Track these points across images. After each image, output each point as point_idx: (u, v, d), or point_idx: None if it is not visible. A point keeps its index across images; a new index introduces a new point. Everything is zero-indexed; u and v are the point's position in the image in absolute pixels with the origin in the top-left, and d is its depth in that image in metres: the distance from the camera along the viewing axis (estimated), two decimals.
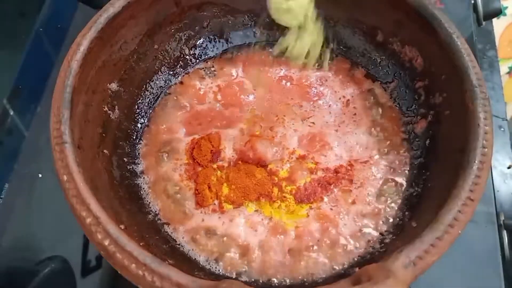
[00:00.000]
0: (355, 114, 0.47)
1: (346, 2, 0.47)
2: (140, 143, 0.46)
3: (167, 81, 0.50)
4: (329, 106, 0.48)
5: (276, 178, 0.43)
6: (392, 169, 0.43)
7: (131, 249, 0.27)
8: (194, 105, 0.48)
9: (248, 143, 0.45)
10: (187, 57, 0.51)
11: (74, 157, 0.32)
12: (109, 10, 0.39)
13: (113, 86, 0.43)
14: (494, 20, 0.60)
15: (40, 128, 0.51)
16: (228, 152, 0.45)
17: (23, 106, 0.53)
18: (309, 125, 0.46)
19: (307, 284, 0.38)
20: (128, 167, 0.43)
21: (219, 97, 0.49)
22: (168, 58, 0.49)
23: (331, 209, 0.41)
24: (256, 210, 0.41)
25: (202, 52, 0.51)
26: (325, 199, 0.42)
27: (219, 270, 0.38)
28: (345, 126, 0.46)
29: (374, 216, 0.41)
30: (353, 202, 0.42)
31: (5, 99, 0.53)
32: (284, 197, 0.42)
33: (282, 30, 0.51)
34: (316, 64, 0.49)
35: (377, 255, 0.38)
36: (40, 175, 0.48)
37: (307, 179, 0.43)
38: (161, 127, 0.47)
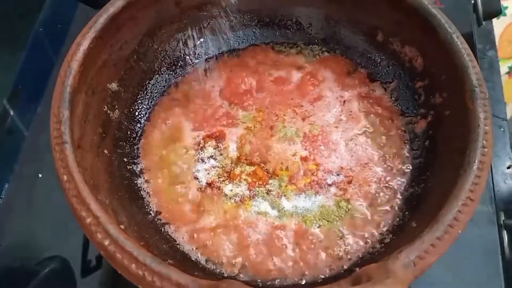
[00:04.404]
0: (355, 114, 0.47)
1: (346, 2, 0.47)
2: (140, 143, 0.46)
3: (167, 81, 0.50)
4: (329, 106, 0.48)
5: (276, 178, 0.43)
6: (392, 169, 0.43)
7: (131, 249, 0.27)
8: (195, 105, 0.48)
9: (249, 142, 0.45)
10: (187, 57, 0.51)
11: (74, 157, 0.32)
12: (109, 10, 0.39)
13: (113, 86, 0.43)
14: (494, 20, 0.60)
15: (40, 128, 0.51)
16: (231, 150, 0.45)
17: (23, 106, 0.53)
18: (309, 125, 0.46)
19: (307, 284, 0.38)
20: (128, 167, 0.43)
21: (219, 96, 0.49)
22: (168, 58, 0.49)
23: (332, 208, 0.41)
24: (257, 209, 0.41)
25: (202, 52, 0.51)
26: (326, 199, 0.42)
27: (219, 270, 0.38)
28: (345, 126, 0.46)
29: (374, 216, 0.41)
30: (353, 202, 0.42)
31: (5, 99, 0.53)
32: (285, 196, 0.42)
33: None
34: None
35: (377, 255, 0.38)
36: (40, 175, 0.48)
37: (307, 180, 0.43)
38: (162, 127, 0.47)
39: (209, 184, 0.43)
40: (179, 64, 0.50)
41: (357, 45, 0.50)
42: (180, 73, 0.50)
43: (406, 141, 0.45)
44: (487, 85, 0.36)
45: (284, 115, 0.47)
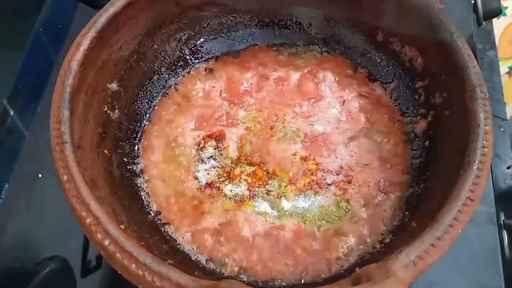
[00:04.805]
0: (354, 114, 0.47)
1: (346, 2, 0.47)
2: (140, 143, 0.46)
3: (167, 81, 0.50)
4: (329, 106, 0.48)
5: (276, 178, 0.43)
6: (392, 169, 0.43)
7: (131, 249, 0.27)
8: (195, 105, 0.48)
9: (249, 143, 0.45)
10: (187, 57, 0.51)
11: (74, 157, 0.32)
12: (109, 10, 0.39)
13: (113, 86, 0.43)
14: (494, 20, 0.60)
15: (40, 128, 0.51)
16: (231, 150, 0.45)
17: (23, 106, 0.53)
18: (309, 125, 0.46)
19: (307, 284, 0.38)
20: (128, 167, 0.43)
21: (220, 96, 0.49)
22: (168, 58, 0.49)
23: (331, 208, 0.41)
24: (257, 209, 0.41)
25: (202, 52, 0.51)
26: (325, 199, 0.42)
27: (219, 270, 0.38)
28: (344, 126, 0.46)
29: (374, 216, 0.41)
30: (353, 202, 0.42)
31: (5, 99, 0.53)
32: (285, 196, 0.42)
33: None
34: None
35: (377, 255, 0.38)
36: (40, 175, 0.48)
37: (307, 180, 0.43)
38: (162, 127, 0.47)
39: (209, 184, 0.43)
40: (179, 64, 0.50)
41: (357, 45, 0.50)
42: (180, 73, 0.50)
43: (406, 141, 0.45)
44: (487, 85, 0.36)
45: (284, 115, 0.47)
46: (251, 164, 0.44)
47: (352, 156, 0.44)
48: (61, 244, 0.44)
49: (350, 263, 0.38)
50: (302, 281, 0.38)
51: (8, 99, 0.53)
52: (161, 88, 0.49)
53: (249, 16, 0.51)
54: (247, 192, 0.42)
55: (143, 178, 0.44)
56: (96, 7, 0.55)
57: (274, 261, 0.39)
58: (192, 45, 0.51)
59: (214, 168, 0.44)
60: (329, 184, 0.43)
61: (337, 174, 0.43)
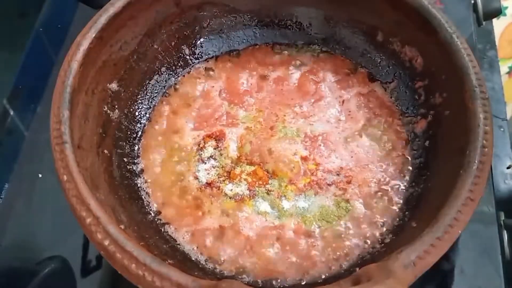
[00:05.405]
0: (354, 114, 0.47)
1: (346, 2, 0.47)
2: (140, 143, 0.46)
3: (167, 81, 0.50)
4: (329, 106, 0.48)
5: (276, 178, 0.43)
6: (392, 169, 0.43)
7: (131, 249, 0.27)
8: (195, 105, 0.48)
9: (249, 142, 0.45)
10: (187, 57, 0.51)
11: (74, 157, 0.32)
12: (109, 10, 0.39)
13: (113, 86, 0.43)
14: (494, 20, 0.60)
15: (40, 128, 0.51)
16: (231, 150, 0.45)
17: (23, 106, 0.53)
18: (309, 125, 0.46)
19: (307, 284, 0.38)
20: (128, 167, 0.43)
21: (220, 96, 0.49)
22: (168, 58, 0.49)
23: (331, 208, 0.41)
24: (257, 209, 0.41)
25: (202, 52, 0.51)
26: (325, 199, 0.42)
27: (219, 270, 0.38)
28: (344, 126, 0.46)
29: (374, 216, 0.41)
30: (353, 202, 0.42)
31: (5, 99, 0.53)
32: (285, 196, 0.42)
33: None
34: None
35: (377, 255, 0.38)
36: (40, 175, 0.48)
37: (307, 180, 0.43)
38: (162, 127, 0.47)
39: (209, 184, 0.43)
40: (179, 64, 0.50)
41: (357, 45, 0.50)
42: (180, 73, 0.50)
43: (406, 141, 0.45)
44: (487, 85, 0.36)
45: (284, 115, 0.47)
46: (251, 163, 0.44)
47: (352, 156, 0.44)
48: (61, 244, 0.44)
49: (350, 263, 0.38)
50: (302, 281, 0.38)
51: (8, 99, 0.53)
52: (161, 88, 0.49)
53: (249, 16, 0.51)
54: (247, 192, 0.42)
55: (143, 178, 0.44)
56: (96, 7, 0.55)
57: (274, 261, 0.39)
58: (192, 45, 0.51)
59: (214, 167, 0.44)
60: (329, 184, 0.43)
61: (337, 174, 0.43)
